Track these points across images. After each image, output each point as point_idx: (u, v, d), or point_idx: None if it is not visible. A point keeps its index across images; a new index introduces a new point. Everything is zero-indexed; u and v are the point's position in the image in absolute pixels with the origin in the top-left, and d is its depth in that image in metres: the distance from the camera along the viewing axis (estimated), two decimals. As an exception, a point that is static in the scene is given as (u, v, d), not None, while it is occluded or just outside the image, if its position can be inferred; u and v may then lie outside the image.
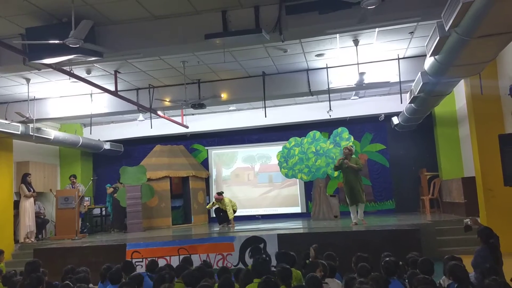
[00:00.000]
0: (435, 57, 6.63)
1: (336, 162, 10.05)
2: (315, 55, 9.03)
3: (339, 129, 11.63)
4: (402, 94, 9.64)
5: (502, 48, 6.06)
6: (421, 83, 7.95)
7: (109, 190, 12.82)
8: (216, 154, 14.59)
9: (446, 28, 5.41)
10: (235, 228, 10.76)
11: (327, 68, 9.64)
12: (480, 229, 5.31)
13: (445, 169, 11.83)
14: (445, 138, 11.87)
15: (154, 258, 7.51)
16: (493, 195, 8.39)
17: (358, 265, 4.70)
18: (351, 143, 11.31)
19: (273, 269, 5.15)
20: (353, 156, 10.07)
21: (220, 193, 11.53)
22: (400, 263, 4.73)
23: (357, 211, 9.75)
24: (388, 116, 12.46)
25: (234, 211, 11.36)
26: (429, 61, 7.11)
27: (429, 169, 12.22)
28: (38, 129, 10.89)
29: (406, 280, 4.41)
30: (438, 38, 5.91)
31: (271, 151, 13.83)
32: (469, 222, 5.58)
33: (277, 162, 12.21)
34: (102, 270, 5.48)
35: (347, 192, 9.76)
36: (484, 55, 6.20)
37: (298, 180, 12.79)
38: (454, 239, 8.62)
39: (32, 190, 11.26)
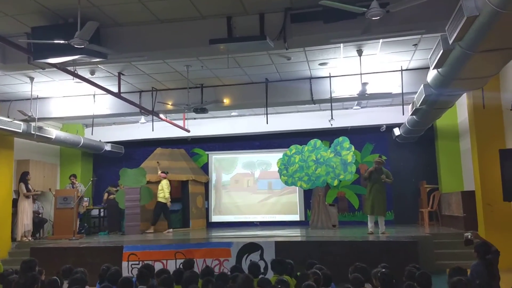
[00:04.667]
0: (438, 70, 6.64)
1: (366, 173, 9.95)
2: (319, 64, 9.05)
3: (340, 138, 11.62)
4: (404, 106, 9.64)
5: (506, 63, 6.07)
6: (424, 95, 7.96)
7: (105, 196, 12.88)
8: (217, 159, 14.59)
9: (450, 42, 5.42)
10: (233, 234, 10.73)
11: (330, 77, 9.65)
12: (478, 244, 5.28)
13: (445, 182, 11.81)
14: (446, 151, 11.86)
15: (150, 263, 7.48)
16: (492, 210, 8.37)
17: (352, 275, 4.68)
18: (352, 153, 11.32)
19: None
20: (383, 168, 10.03)
21: (166, 172, 11.98)
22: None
23: (375, 222, 9.86)
24: (390, 127, 12.46)
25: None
26: (432, 74, 7.13)
27: (429, 181, 12.19)
28: (40, 128, 10.91)
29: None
30: (441, 51, 5.92)
31: (272, 158, 13.82)
32: (469, 236, 5.53)
33: (277, 169, 12.19)
34: (101, 270, 5.46)
35: (374, 203, 9.72)
36: (487, 70, 6.21)
37: (297, 188, 12.77)
38: (452, 253, 8.58)
39: (29, 189, 11.25)
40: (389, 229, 10.06)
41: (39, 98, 10.40)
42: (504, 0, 4.10)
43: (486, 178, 8.46)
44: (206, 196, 14.11)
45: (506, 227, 8.18)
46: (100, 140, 13.64)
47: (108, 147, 13.82)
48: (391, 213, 13.10)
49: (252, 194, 14.16)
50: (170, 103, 10.10)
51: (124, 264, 8.47)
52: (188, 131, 12.48)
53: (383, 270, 4.58)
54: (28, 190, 11.19)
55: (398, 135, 12.23)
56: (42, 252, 8.92)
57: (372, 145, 13.48)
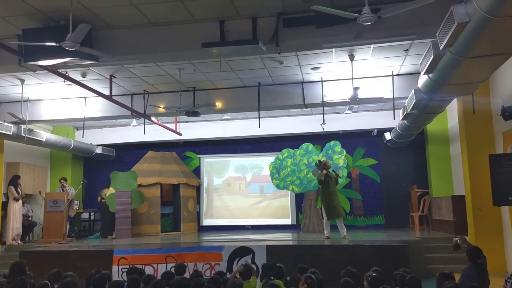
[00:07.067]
0: (429, 75, 6.69)
1: (321, 176, 9.68)
2: (311, 68, 9.08)
3: (332, 143, 11.66)
4: (395, 111, 9.71)
5: (496, 68, 6.14)
6: (414, 100, 8.01)
7: (99, 199, 12.78)
8: (208, 163, 14.56)
9: (441, 47, 5.46)
10: (225, 237, 10.70)
11: (322, 81, 9.69)
12: (470, 248, 5.32)
13: (435, 186, 11.88)
14: (437, 155, 11.94)
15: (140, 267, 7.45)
16: (481, 214, 8.42)
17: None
18: (343, 157, 11.36)
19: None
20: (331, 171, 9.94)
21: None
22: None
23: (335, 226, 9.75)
24: (381, 131, 12.53)
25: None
26: (422, 79, 7.18)
27: (419, 186, 12.25)
28: (30, 131, 10.83)
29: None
30: (432, 56, 5.97)
31: (264, 162, 13.82)
32: (458, 241, 5.59)
33: (269, 172, 12.20)
34: (90, 275, 5.42)
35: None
36: (477, 75, 6.26)
37: (289, 191, 12.78)
38: (442, 257, 8.63)
39: (19, 193, 11.14)
40: (380, 233, 10.08)
41: (29, 100, 10.33)
42: (494, 7, 4.15)
43: (476, 182, 8.51)
44: (198, 200, 14.08)
45: (496, 231, 8.24)
46: (91, 143, 13.55)
47: (99, 150, 13.74)
48: (382, 217, 13.17)
49: (244, 197, 14.14)
50: (162, 106, 10.08)
51: (115, 268, 8.39)
52: (180, 134, 12.45)
53: (374, 274, 4.60)
54: (18, 193, 11.07)
55: (389, 140, 12.29)
56: (31, 255, 8.81)
57: (364, 149, 13.54)
